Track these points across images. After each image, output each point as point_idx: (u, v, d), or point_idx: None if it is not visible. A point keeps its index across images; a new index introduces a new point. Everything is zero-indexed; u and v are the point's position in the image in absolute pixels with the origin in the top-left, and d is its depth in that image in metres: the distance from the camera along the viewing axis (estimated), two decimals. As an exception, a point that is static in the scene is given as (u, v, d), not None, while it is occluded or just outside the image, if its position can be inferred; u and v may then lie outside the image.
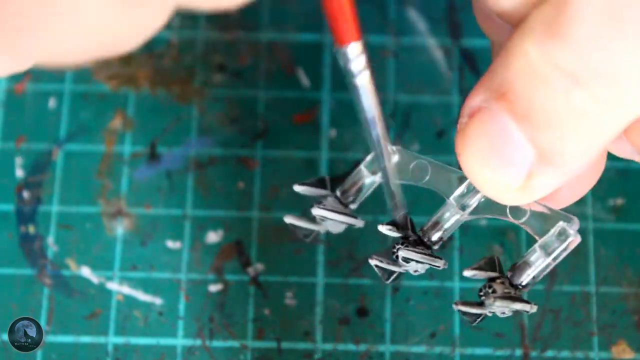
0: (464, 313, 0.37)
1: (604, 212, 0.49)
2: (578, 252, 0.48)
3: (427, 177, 0.38)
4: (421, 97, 0.51)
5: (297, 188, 0.40)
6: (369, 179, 0.40)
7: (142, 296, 0.47)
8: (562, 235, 0.37)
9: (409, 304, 0.47)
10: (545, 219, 0.37)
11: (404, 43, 0.52)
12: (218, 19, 0.53)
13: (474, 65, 0.51)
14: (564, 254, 0.37)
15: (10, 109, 0.51)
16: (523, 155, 0.32)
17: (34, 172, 0.50)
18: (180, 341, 0.47)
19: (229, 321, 0.47)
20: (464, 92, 0.51)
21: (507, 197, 0.33)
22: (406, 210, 0.38)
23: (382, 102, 0.51)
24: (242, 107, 0.51)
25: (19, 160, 0.50)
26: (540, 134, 0.31)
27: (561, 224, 0.36)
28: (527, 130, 0.31)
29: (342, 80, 0.51)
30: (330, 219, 0.39)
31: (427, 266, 0.38)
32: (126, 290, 0.47)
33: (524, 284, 0.37)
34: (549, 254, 0.37)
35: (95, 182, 0.49)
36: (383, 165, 0.36)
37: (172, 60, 0.52)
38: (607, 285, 0.47)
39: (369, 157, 0.40)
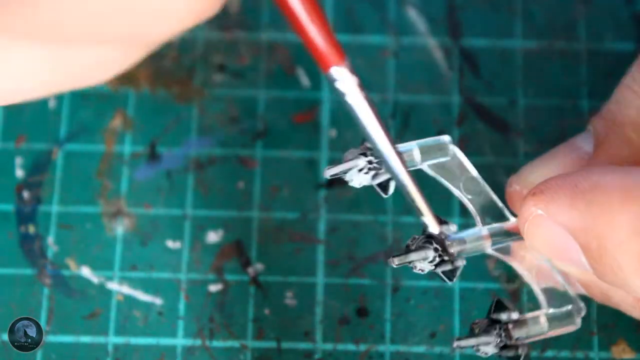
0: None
1: (604, 212, 0.49)
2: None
3: (473, 197, 0.39)
4: (421, 97, 0.51)
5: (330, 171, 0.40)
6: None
7: (142, 296, 0.47)
8: (569, 318, 0.39)
9: (409, 304, 0.47)
10: (560, 296, 0.38)
11: (404, 43, 0.52)
12: (218, 19, 0.53)
13: (474, 65, 0.51)
14: (558, 333, 0.39)
15: (10, 109, 0.51)
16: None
17: (34, 172, 0.49)
18: (180, 341, 0.47)
19: (229, 321, 0.47)
20: (464, 92, 0.51)
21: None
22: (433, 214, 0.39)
23: (382, 102, 0.51)
24: (242, 107, 0.51)
25: (19, 160, 0.50)
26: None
27: (573, 308, 0.39)
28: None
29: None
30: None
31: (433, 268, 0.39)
32: (126, 290, 0.47)
33: (516, 338, 0.39)
34: (550, 328, 0.39)
35: (95, 182, 0.49)
36: (400, 180, 0.36)
37: (172, 60, 0.52)
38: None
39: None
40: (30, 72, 0.29)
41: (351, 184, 0.39)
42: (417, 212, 0.38)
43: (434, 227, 0.38)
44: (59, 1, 0.27)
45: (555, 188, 0.33)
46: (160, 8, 0.28)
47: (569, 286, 0.39)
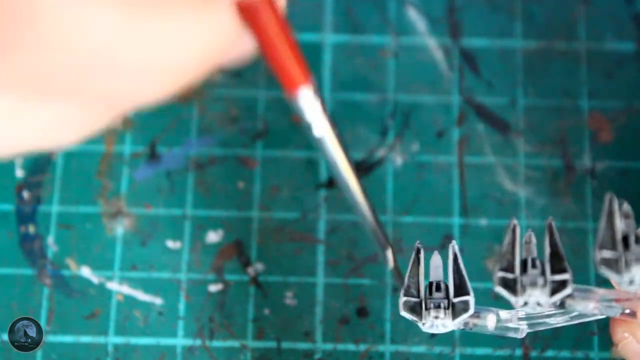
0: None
1: (604, 212, 0.49)
2: (578, 252, 0.48)
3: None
4: (421, 97, 0.51)
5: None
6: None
7: (142, 296, 0.47)
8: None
9: (409, 304, 0.47)
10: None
11: (404, 43, 0.52)
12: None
13: (474, 65, 0.52)
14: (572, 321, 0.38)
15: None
16: None
17: (34, 172, 0.49)
18: (180, 341, 0.47)
19: (229, 321, 0.47)
20: (464, 92, 0.51)
21: None
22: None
23: (382, 102, 0.51)
24: (242, 107, 0.51)
25: (19, 160, 0.50)
26: None
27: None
28: None
29: (342, 80, 0.51)
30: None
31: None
32: (126, 290, 0.47)
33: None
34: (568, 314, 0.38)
35: (95, 182, 0.49)
36: (362, 211, 0.35)
37: (172, 60, 0.52)
38: (607, 285, 0.47)
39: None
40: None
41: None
42: (378, 247, 0.37)
43: (391, 262, 0.38)
44: (38, 51, 0.25)
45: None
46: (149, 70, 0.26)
47: None
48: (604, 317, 0.38)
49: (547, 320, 0.39)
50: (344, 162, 0.32)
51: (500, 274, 0.36)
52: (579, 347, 0.46)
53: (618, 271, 0.35)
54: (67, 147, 0.31)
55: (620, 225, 0.35)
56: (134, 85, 0.27)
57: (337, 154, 0.32)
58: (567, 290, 0.36)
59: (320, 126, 0.31)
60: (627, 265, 0.35)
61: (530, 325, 0.39)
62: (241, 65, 0.31)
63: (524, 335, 0.39)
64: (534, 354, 0.46)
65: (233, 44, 0.28)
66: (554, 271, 0.36)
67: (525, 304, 0.36)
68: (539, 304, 0.36)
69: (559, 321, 0.39)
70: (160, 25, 0.25)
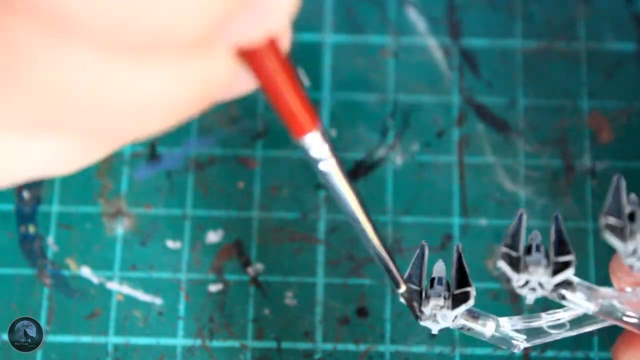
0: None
1: (604, 212, 0.49)
2: (578, 252, 0.48)
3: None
4: (421, 97, 0.51)
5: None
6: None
7: (142, 296, 0.47)
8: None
9: (409, 304, 0.47)
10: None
11: (404, 43, 0.52)
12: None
13: (474, 65, 0.52)
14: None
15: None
16: None
17: (34, 172, 0.49)
18: (180, 341, 0.47)
19: (229, 321, 0.47)
20: (464, 92, 0.51)
21: None
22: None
23: (382, 102, 0.51)
24: (242, 107, 0.51)
25: (19, 160, 0.50)
26: None
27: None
28: None
29: (342, 80, 0.51)
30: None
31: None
32: (126, 290, 0.47)
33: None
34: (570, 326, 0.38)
35: (95, 182, 0.49)
36: (374, 247, 0.35)
37: (172, 60, 0.52)
38: (607, 285, 0.47)
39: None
40: None
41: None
42: (391, 282, 0.37)
43: (402, 287, 0.38)
44: (35, 91, 0.25)
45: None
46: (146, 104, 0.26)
47: None
48: (601, 327, 0.38)
49: (545, 330, 0.39)
50: (353, 199, 0.32)
51: (505, 249, 0.36)
52: (579, 347, 0.46)
53: (623, 239, 0.35)
54: (64, 175, 0.32)
55: (626, 199, 0.35)
56: (125, 123, 0.27)
57: (345, 191, 0.32)
58: (570, 271, 0.35)
59: (328, 165, 0.30)
60: (632, 234, 0.35)
61: (528, 338, 0.39)
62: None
63: (520, 350, 0.39)
64: (534, 354, 0.46)
65: (232, 82, 0.28)
66: (558, 254, 0.36)
67: (527, 282, 0.36)
68: (540, 285, 0.36)
69: (557, 332, 0.39)
70: (152, 69, 0.25)
